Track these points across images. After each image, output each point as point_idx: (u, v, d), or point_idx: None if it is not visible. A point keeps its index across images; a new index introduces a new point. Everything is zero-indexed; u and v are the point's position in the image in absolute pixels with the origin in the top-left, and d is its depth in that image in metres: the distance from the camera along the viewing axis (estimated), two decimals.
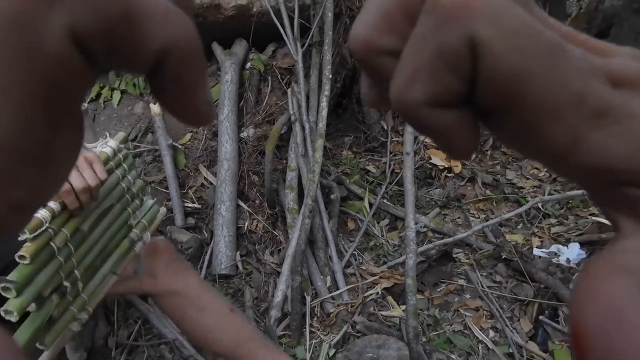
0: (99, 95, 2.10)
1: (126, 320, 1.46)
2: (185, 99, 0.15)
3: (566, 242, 1.88)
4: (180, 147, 1.92)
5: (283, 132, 2.00)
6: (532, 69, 0.14)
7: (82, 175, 0.73)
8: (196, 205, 1.82)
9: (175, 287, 1.02)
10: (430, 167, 2.34)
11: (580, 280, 0.14)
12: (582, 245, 1.80)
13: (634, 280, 0.12)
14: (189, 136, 1.98)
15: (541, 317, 1.59)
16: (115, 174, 0.82)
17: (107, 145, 0.82)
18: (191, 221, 1.78)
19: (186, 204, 1.81)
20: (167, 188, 1.81)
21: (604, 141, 0.14)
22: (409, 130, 1.32)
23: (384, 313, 1.64)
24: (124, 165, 0.84)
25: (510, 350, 1.51)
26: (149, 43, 0.13)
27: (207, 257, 1.70)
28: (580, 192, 1.87)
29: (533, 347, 1.52)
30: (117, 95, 2.07)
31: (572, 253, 1.79)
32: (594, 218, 1.82)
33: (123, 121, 2.05)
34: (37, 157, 0.13)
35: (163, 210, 0.99)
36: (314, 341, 1.52)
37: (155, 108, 1.90)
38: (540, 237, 1.96)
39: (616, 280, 0.12)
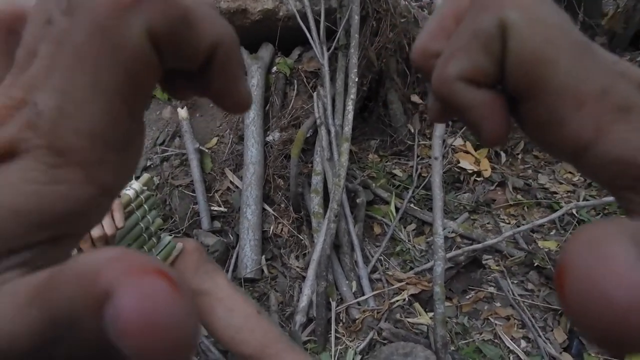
0: None
1: None
2: (230, 86, 0.17)
3: None
4: (207, 150, 1.94)
5: (308, 135, 2.00)
6: (556, 55, 0.15)
7: (101, 223, 0.76)
8: (222, 209, 1.83)
9: (205, 287, 1.03)
10: (459, 170, 2.29)
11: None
12: None
13: (625, 229, 0.12)
14: (215, 140, 2.00)
15: (575, 328, 1.53)
16: (135, 215, 0.86)
17: (130, 187, 0.85)
18: (217, 224, 1.80)
19: (212, 207, 1.83)
20: (193, 191, 1.83)
21: (626, 134, 0.15)
22: (437, 133, 1.29)
23: (410, 320, 1.61)
24: (145, 206, 0.88)
25: None
26: (203, 39, 0.15)
27: (233, 261, 1.71)
28: None
29: (567, 358, 1.46)
30: None
31: None
32: None
33: (151, 125, 2.08)
34: (121, 143, 0.15)
35: (179, 245, 1.02)
36: (339, 347, 1.50)
37: (183, 112, 1.92)
38: None
39: (605, 226, 0.12)
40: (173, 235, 1.68)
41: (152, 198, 0.91)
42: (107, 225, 0.78)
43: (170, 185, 1.84)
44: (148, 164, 1.95)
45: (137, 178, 0.89)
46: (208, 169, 1.91)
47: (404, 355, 1.39)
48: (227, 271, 1.67)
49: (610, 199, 1.86)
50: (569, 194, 2.16)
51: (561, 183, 2.24)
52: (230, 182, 1.90)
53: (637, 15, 2.45)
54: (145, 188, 0.89)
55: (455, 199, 2.20)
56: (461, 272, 1.80)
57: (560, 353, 1.49)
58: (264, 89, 2.05)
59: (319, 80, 2.09)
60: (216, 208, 1.83)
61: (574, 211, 1.97)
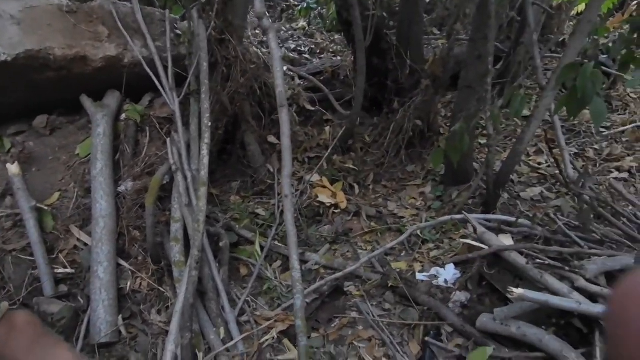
0: None
1: None
2: None
3: (443, 264, 2.04)
4: (46, 208, 1.75)
5: (165, 182, 1.94)
6: None
7: None
8: (68, 270, 1.67)
9: None
10: (318, 204, 2.42)
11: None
12: (456, 265, 1.97)
13: None
14: (57, 195, 1.82)
15: (427, 338, 1.69)
16: None
17: None
18: (63, 288, 1.62)
19: (56, 270, 1.65)
20: (32, 255, 1.64)
21: None
22: (286, 173, 1.36)
23: (280, 357, 1.62)
24: None
25: None
26: None
27: (84, 326, 1.55)
28: (449, 217, 2.06)
29: None
30: None
31: (448, 274, 1.95)
32: (463, 240, 2.00)
33: None
34: None
35: (4, 304, 0.89)
36: None
37: (13, 168, 1.73)
38: (421, 262, 2.10)
39: None
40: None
41: None
42: None
43: (1, 250, 1.62)
44: None
45: None
46: (49, 228, 1.73)
47: None
48: (78, 339, 1.51)
49: (445, 218, 2.11)
50: (413, 217, 2.42)
51: (407, 208, 2.50)
52: (78, 239, 1.75)
53: (452, 61, 2.90)
54: None
55: (317, 232, 2.31)
56: (326, 302, 1.88)
57: None
58: (112, 137, 1.95)
59: (173, 126, 2.07)
60: (61, 270, 1.65)
61: (418, 232, 2.21)
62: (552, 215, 1.88)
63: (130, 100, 2.11)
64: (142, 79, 2.03)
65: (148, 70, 1.95)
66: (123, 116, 2.05)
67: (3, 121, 1.94)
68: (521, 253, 1.66)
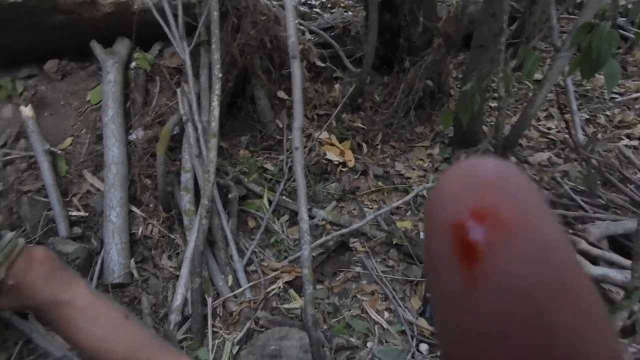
0: None
1: (4, 341, 1.33)
2: None
3: None
4: (60, 152, 1.77)
5: (175, 132, 1.95)
6: None
7: None
8: (82, 213, 1.70)
9: (62, 297, 0.96)
10: (326, 162, 2.43)
11: None
12: None
13: None
14: (69, 140, 1.84)
15: (428, 294, 1.74)
16: None
17: None
18: (77, 230, 1.67)
19: (71, 213, 1.69)
20: (46, 196, 1.67)
21: None
22: (296, 125, 1.37)
23: (286, 306, 1.68)
24: None
25: (403, 328, 1.64)
26: None
27: (98, 267, 1.61)
28: None
29: (422, 322, 1.66)
30: None
31: None
32: None
33: None
34: None
35: (21, 241, 0.92)
36: (217, 341, 1.51)
37: (27, 111, 1.73)
38: None
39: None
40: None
41: None
42: None
43: (16, 191, 1.65)
44: None
45: None
46: (63, 171, 1.76)
47: (280, 339, 1.46)
48: (92, 278, 1.57)
49: None
50: (420, 178, 2.44)
51: (414, 169, 2.51)
52: (90, 184, 1.77)
53: (465, 19, 2.83)
54: None
55: (324, 189, 2.33)
56: (331, 256, 1.93)
57: (417, 318, 1.68)
58: (123, 85, 1.94)
59: (183, 76, 2.05)
60: (75, 213, 1.69)
61: (424, 193, 2.23)
62: (559, 180, 1.90)
63: (140, 48, 2.09)
64: (152, 27, 2.00)
65: (158, 17, 1.92)
66: (133, 64, 2.04)
67: (14, 64, 1.93)
68: None
